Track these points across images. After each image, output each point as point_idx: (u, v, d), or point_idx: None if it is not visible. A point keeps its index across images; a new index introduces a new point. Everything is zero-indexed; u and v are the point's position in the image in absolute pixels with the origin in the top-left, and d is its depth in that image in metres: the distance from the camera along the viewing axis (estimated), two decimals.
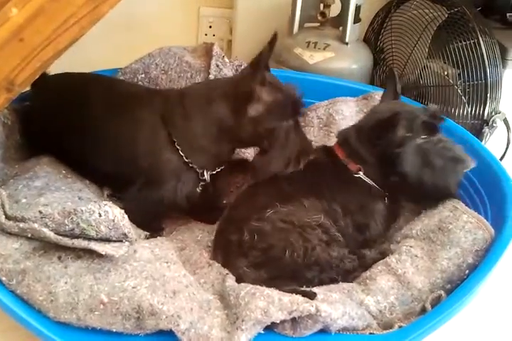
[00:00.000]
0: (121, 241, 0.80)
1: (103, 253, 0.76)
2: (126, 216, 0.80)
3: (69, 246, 0.77)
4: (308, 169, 1.00)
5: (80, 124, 1.01)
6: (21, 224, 0.79)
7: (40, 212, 0.79)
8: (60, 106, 1.05)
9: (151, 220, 1.01)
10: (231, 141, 0.98)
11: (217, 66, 1.22)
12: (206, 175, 0.99)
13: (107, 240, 0.79)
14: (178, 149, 0.96)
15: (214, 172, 1.01)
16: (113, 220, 0.79)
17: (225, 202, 1.13)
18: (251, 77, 0.92)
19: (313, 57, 1.39)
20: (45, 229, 0.77)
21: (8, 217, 0.81)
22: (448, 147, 0.97)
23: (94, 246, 0.76)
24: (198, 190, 1.01)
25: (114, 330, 0.73)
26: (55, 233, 0.78)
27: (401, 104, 1.04)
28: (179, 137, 0.96)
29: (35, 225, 0.78)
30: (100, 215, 0.78)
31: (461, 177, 0.99)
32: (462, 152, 0.98)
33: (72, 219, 0.78)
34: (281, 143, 0.95)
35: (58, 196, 0.89)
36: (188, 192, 0.99)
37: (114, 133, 0.99)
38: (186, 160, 0.97)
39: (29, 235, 0.79)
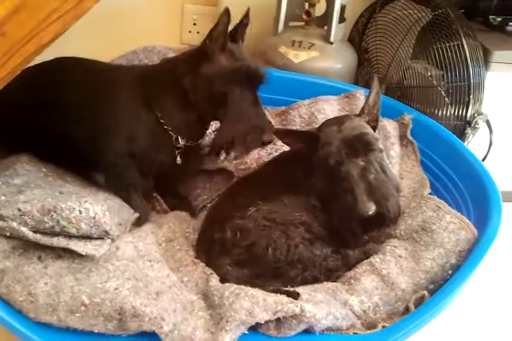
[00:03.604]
0: (103, 238, 0.79)
1: (83, 253, 0.75)
2: (107, 213, 0.79)
3: (48, 245, 0.76)
4: (283, 167, 1.01)
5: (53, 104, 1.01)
6: (0, 223, 0.77)
7: (19, 209, 0.78)
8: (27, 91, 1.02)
9: (140, 180, 1.01)
10: (193, 106, 0.98)
11: None
12: (181, 141, 1.00)
13: (88, 237, 0.77)
14: (154, 111, 0.98)
15: (189, 144, 1.01)
16: (94, 217, 0.77)
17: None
18: (207, 39, 0.94)
19: (298, 56, 1.39)
20: (23, 228, 0.75)
21: None
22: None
23: (74, 246, 0.75)
24: (178, 159, 1.01)
25: (96, 331, 0.71)
26: (35, 231, 0.77)
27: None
28: (157, 104, 0.98)
29: (14, 224, 0.76)
30: (80, 212, 0.77)
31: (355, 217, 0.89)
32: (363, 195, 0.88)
33: (51, 216, 0.76)
34: (234, 112, 0.95)
35: (38, 193, 0.87)
36: (165, 156, 1.01)
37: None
38: (162, 121, 0.98)
39: (8, 234, 0.77)
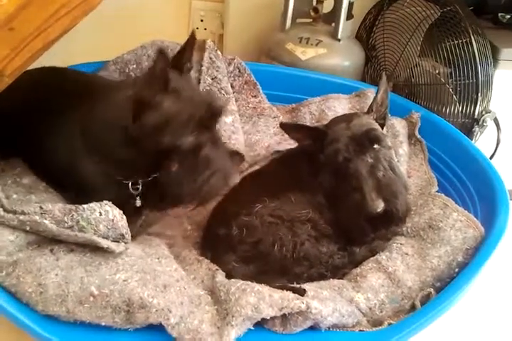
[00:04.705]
0: (118, 241, 0.80)
1: (105, 246, 0.75)
2: (124, 217, 0.80)
3: (71, 238, 0.77)
4: (289, 164, 1.01)
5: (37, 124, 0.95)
6: (21, 217, 0.77)
7: (41, 207, 0.78)
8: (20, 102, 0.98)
9: None
10: (139, 156, 0.84)
11: (210, 58, 1.21)
12: (131, 188, 0.87)
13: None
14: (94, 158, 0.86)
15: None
16: (112, 220, 0.79)
17: None
18: (149, 83, 0.79)
19: (305, 53, 1.38)
20: (46, 221, 0.76)
21: (6, 210, 0.79)
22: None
23: (97, 238, 0.76)
24: (137, 201, 0.90)
25: (104, 324, 0.72)
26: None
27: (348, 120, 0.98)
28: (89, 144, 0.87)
29: (36, 217, 0.77)
30: (101, 214, 0.78)
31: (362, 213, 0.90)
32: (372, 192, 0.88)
33: (72, 216, 0.77)
34: (189, 163, 0.82)
35: (47, 197, 0.89)
36: (120, 201, 0.86)
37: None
38: (107, 171, 0.86)
39: (28, 228, 0.78)
